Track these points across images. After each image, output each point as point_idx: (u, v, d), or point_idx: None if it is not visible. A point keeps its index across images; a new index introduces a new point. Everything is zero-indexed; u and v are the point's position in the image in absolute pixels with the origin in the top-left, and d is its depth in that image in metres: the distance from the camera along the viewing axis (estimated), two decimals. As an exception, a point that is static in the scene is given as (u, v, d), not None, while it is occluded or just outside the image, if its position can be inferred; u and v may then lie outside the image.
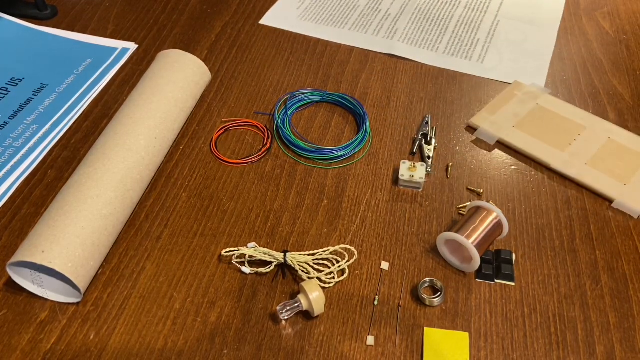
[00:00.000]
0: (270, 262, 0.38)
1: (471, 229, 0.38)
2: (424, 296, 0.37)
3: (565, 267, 0.40)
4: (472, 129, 0.50)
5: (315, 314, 0.35)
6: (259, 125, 0.49)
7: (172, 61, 0.48)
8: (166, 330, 0.35)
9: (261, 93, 0.52)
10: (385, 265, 0.39)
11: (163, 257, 0.39)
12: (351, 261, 0.39)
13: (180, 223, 0.41)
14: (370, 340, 0.35)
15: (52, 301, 0.36)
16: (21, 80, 0.52)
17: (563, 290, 0.38)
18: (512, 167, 0.47)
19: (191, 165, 0.45)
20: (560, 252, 0.40)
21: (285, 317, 0.35)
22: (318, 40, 0.59)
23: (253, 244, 0.39)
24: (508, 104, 0.51)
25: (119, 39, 0.57)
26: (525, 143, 0.48)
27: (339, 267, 0.38)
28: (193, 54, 0.49)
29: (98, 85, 0.52)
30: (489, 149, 0.49)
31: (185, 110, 0.47)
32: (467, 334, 0.35)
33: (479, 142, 0.49)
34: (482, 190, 0.45)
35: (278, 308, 0.35)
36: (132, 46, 0.57)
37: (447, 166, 0.47)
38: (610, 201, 0.45)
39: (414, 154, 0.47)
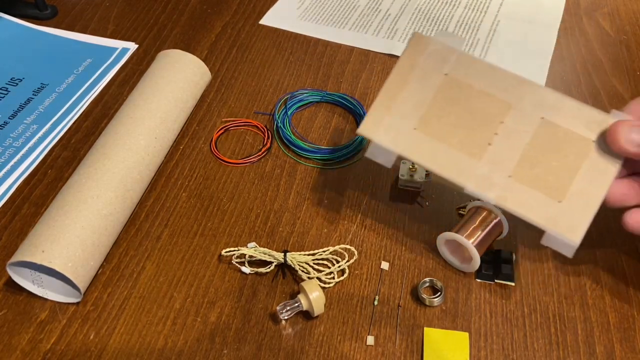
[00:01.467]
0: (270, 262, 0.38)
1: (471, 229, 0.38)
2: (424, 296, 0.37)
3: (565, 267, 0.40)
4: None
5: (315, 314, 0.35)
6: (259, 125, 0.49)
7: (172, 61, 0.48)
8: (166, 330, 0.35)
9: (261, 93, 0.52)
10: (385, 265, 0.39)
11: (163, 257, 0.39)
12: (351, 261, 0.39)
13: (180, 223, 0.41)
14: (370, 340, 0.35)
15: (52, 301, 0.36)
16: (21, 80, 0.52)
17: (563, 290, 0.38)
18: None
19: (191, 165, 0.45)
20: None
21: (285, 317, 0.35)
22: (318, 40, 0.59)
23: (253, 243, 0.39)
24: (408, 83, 0.35)
25: (119, 39, 0.58)
26: (431, 157, 0.34)
27: (339, 267, 0.38)
28: (193, 53, 0.49)
29: (98, 85, 0.52)
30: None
31: (185, 110, 0.47)
32: (467, 334, 0.35)
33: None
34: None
35: (278, 308, 0.35)
36: (132, 46, 0.57)
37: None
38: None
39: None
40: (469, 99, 0.35)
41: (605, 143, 0.33)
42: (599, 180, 0.33)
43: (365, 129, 0.36)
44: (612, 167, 0.33)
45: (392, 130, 0.35)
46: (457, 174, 0.34)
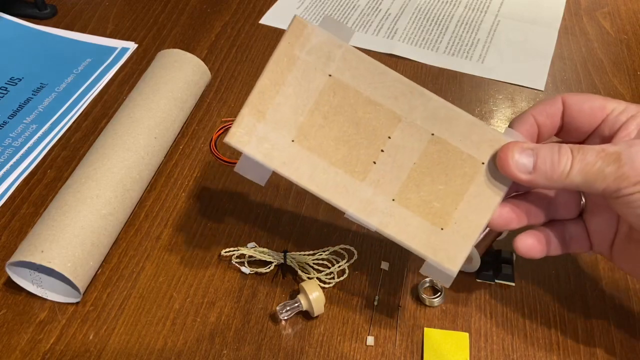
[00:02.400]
0: (270, 262, 0.38)
1: (471, 229, 0.37)
2: (424, 296, 0.37)
3: (565, 267, 0.40)
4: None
5: (315, 314, 0.35)
6: (258, 125, 0.49)
7: (171, 61, 0.48)
8: (165, 330, 0.35)
9: (261, 93, 0.52)
10: (385, 265, 0.39)
11: (162, 257, 0.39)
12: (351, 261, 0.39)
13: (180, 223, 0.41)
14: (370, 340, 0.35)
15: (51, 301, 0.36)
16: (20, 79, 0.52)
17: (563, 290, 0.38)
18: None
19: (191, 165, 0.45)
20: (560, 252, 0.40)
21: (285, 317, 0.35)
22: (318, 40, 0.58)
23: (253, 243, 0.39)
24: (285, 84, 0.30)
25: (119, 39, 0.57)
26: (310, 177, 0.31)
27: (339, 267, 0.38)
28: (193, 53, 0.49)
29: (97, 85, 0.52)
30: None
31: (185, 109, 0.47)
32: (467, 334, 0.35)
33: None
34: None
35: (278, 308, 0.35)
36: (131, 45, 0.57)
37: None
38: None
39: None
40: (355, 107, 0.31)
41: (495, 166, 0.30)
42: (483, 207, 0.31)
43: (234, 137, 0.30)
44: (498, 193, 0.31)
45: (266, 141, 0.30)
46: (338, 197, 0.31)
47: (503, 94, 0.54)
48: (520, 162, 0.29)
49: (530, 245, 0.32)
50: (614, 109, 0.30)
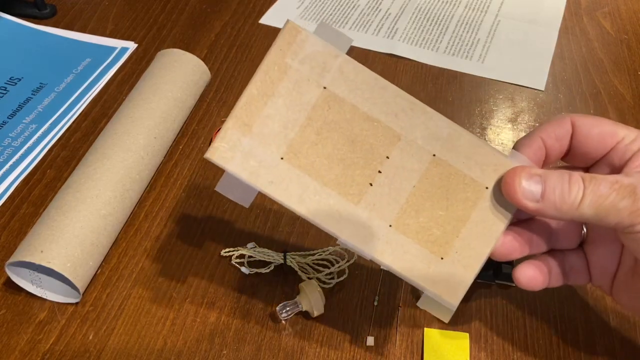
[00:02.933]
0: (270, 263, 0.38)
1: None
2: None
3: (565, 267, 0.39)
4: None
5: (315, 315, 0.35)
6: (258, 125, 0.49)
7: (171, 60, 0.48)
8: (165, 330, 0.35)
9: (261, 92, 0.52)
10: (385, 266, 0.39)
11: (162, 257, 0.39)
12: (351, 261, 0.38)
13: (180, 223, 0.41)
14: (370, 340, 0.35)
15: (51, 301, 0.36)
16: (20, 79, 0.52)
17: (564, 291, 0.38)
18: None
19: (190, 165, 0.45)
20: (560, 253, 0.40)
21: (285, 318, 0.35)
22: (318, 40, 0.58)
23: (252, 244, 0.39)
24: (275, 95, 0.28)
25: (118, 38, 0.57)
26: (299, 198, 0.28)
27: (339, 267, 0.38)
28: (192, 53, 0.49)
29: (97, 85, 0.52)
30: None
31: (185, 109, 0.47)
32: (467, 335, 0.35)
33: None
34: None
35: (277, 308, 0.35)
36: (131, 45, 0.57)
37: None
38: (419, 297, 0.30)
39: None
40: (351, 123, 0.28)
41: (500, 192, 0.29)
42: (485, 235, 0.29)
43: (216, 153, 0.27)
44: (502, 221, 0.29)
45: (252, 158, 0.28)
46: (330, 221, 0.28)
47: (503, 94, 0.54)
48: (528, 190, 0.27)
49: (531, 276, 0.31)
50: (625, 136, 0.29)
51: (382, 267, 0.29)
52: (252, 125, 0.28)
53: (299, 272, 0.37)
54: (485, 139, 0.49)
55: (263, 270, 0.38)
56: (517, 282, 0.31)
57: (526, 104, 0.53)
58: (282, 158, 0.28)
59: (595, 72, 0.56)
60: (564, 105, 0.53)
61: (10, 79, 0.52)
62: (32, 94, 0.51)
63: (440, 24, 0.62)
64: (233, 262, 0.38)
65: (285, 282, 0.38)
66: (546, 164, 0.31)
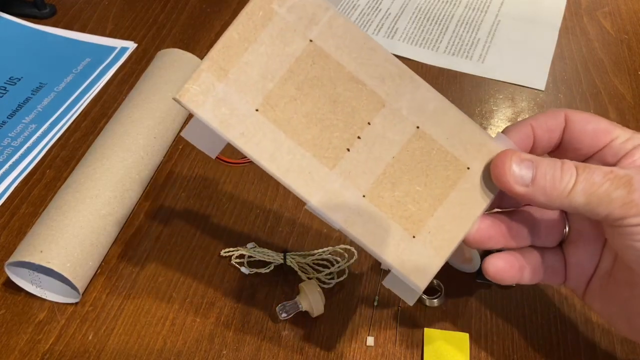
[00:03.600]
0: (270, 263, 0.38)
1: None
2: (424, 296, 0.37)
3: (566, 267, 0.39)
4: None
5: (315, 315, 0.35)
6: (258, 125, 0.49)
7: (171, 60, 0.48)
8: (165, 330, 0.35)
9: (261, 92, 0.52)
10: (385, 265, 0.39)
11: (162, 257, 0.39)
12: (351, 261, 0.38)
13: (179, 223, 0.41)
14: (370, 341, 0.35)
15: (50, 301, 0.36)
16: (20, 79, 0.52)
17: (564, 290, 0.38)
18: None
19: (190, 165, 0.45)
20: (561, 253, 0.40)
21: (285, 318, 0.35)
22: (318, 40, 0.58)
23: (252, 244, 0.39)
24: (257, 42, 0.26)
25: (118, 38, 0.57)
26: (271, 155, 0.26)
27: (339, 267, 0.38)
28: (192, 53, 0.49)
29: (97, 85, 0.52)
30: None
31: (184, 109, 0.47)
32: (467, 335, 0.35)
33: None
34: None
35: (277, 309, 0.35)
36: (131, 45, 0.56)
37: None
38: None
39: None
40: (335, 82, 0.27)
41: (483, 173, 0.28)
42: (462, 217, 0.27)
43: (186, 95, 0.25)
44: (480, 205, 0.28)
45: (225, 105, 0.26)
46: (301, 183, 0.26)
47: (503, 94, 0.54)
48: (518, 174, 0.26)
49: (500, 268, 0.29)
50: (620, 135, 0.28)
51: (350, 239, 0.27)
52: (228, 70, 0.26)
53: (299, 272, 0.37)
54: (485, 138, 0.49)
55: (263, 270, 0.38)
56: (484, 271, 0.29)
57: (526, 104, 0.53)
58: (257, 110, 0.26)
59: (595, 72, 0.56)
60: (564, 105, 0.53)
61: (9, 78, 0.52)
62: (31, 94, 0.51)
63: (440, 24, 0.62)
64: (233, 262, 0.38)
65: (285, 282, 0.38)
66: (532, 154, 0.30)
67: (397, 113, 0.27)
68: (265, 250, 0.38)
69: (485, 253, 0.38)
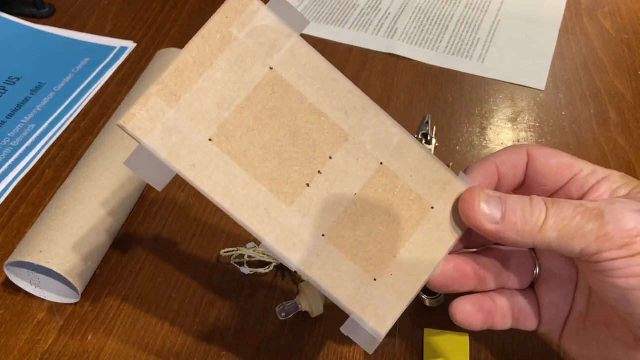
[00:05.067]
0: (270, 263, 0.38)
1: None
2: (424, 296, 0.37)
3: (566, 267, 0.39)
4: None
5: (315, 315, 0.35)
6: (258, 125, 0.49)
7: (170, 60, 0.48)
8: (164, 330, 0.35)
9: (260, 92, 0.52)
10: (385, 266, 0.39)
11: (161, 257, 0.39)
12: (351, 261, 0.38)
13: (179, 223, 0.41)
14: (370, 341, 0.35)
15: (49, 301, 0.36)
16: (19, 79, 0.52)
17: (564, 291, 0.38)
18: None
19: (190, 165, 0.45)
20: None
21: (285, 318, 0.35)
22: (317, 39, 0.58)
23: (252, 244, 0.39)
24: (213, 67, 0.24)
25: (117, 38, 0.57)
26: (224, 189, 0.24)
27: (339, 267, 0.38)
28: (192, 52, 0.49)
29: (96, 84, 0.52)
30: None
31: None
32: (467, 335, 0.35)
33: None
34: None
35: (277, 309, 0.35)
36: (130, 45, 0.56)
37: (448, 165, 0.46)
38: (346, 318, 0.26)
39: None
40: (296, 113, 0.25)
41: (447, 213, 0.27)
42: (425, 260, 0.26)
43: (131, 121, 0.23)
44: (445, 245, 0.27)
45: (175, 133, 0.24)
46: (256, 220, 0.24)
47: (503, 94, 0.54)
48: (487, 210, 0.25)
49: (468, 312, 0.28)
50: (583, 169, 0.27)
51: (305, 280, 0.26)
52: (181, 96, 0.24)
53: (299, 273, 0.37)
54: (485, 138, 0.49)
55: (262, 271, 0.38)
56: (452, 316, 0.28)
57: (526, 104, 0.53)
58: (210, 140, 0.24)
59: (595, 71, 0.56)
60: (564, 105, 0.53)
61: (9, 78, 0.52)
62: (31, 94, 0.50)
63: (440, 24, 0.62)
64: (232, 262, 0.38)
65: (284, 282, 0.38)
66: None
67: (360, 147, 0.26)
68: (265, 250, 0.38)
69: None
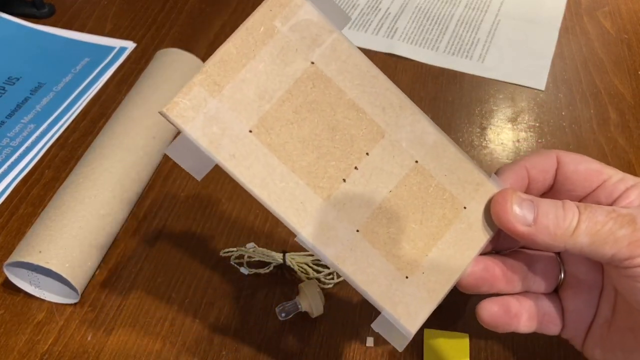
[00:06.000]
0: (269, 263, 0.38)
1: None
2: (424, 297, 0.37)
3: (566, 267, 0.39)
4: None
5: (315, 315, 0.35)
6: (258, 125, 0.49)
7: (170, 60, 0.48)
8: (164, 331, 0.35)
9: (260, 92, 0.52)
10: (385, 266, 0.39)
11: (161, 258, 0.39)
12: (351, 262, 0.38)
13: (179, 223, 0.41)
14: (370, 341, 0.35)
15: (49, 302, 0.36)
16: (18, 79, 0.52)
17: (564, 291, 0.38)
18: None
19: (190, 165, 0.45)
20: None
21: (284, 318, 0.35)
22: (317, 39, 0.58)
23: (252, 244, 0.39)
24: (256, 59, 0.25)
25: (117, 38, 0.57)
26: (262, 181, 0.25)
27: (339, 267, 0.38)
28: (192, 52, 0.49)
29: (96, 85, 0.52)
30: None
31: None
32: (467, 335, 0.35)
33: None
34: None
35: (277, 309, 0.35)
36: (130, 45, 0.56)
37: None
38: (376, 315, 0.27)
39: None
40: (335, 108, 0.25)
41: (479, 214, 0.27)
42: (456, 260, 0.26)
43: (174, 109, 0.24)
44: (475, 245, 0.27)
45: (217, 123, 0.24)
46: (292, 213, 0.25)
47: (503, 94, 0.54)
48: (520, 212, 0.25)
49: (494, 314, 0.28)
50: (612, 175, 0.27)
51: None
52: (223, 86, 0.24)
53: (299, 273, 0.37)
54: (485, 138, 0.49)
55: (262, 271, 0.38)
56: (478, 317, 0.28)
57: (526, 104, 0.53)
58: (250, 131, 0.24)
59: (595, 71, 0.56)
60: (564, 105, 0.53)
61: (8, 78, 0.52)
62: (30, 94, 0.50)
63: (440, 24, 0.62)
64: (232, 262, 0.38)
65: (284, 282, 0.38)
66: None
67: (396, 145, 0.26)
68: (265, 250, 0.38)
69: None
